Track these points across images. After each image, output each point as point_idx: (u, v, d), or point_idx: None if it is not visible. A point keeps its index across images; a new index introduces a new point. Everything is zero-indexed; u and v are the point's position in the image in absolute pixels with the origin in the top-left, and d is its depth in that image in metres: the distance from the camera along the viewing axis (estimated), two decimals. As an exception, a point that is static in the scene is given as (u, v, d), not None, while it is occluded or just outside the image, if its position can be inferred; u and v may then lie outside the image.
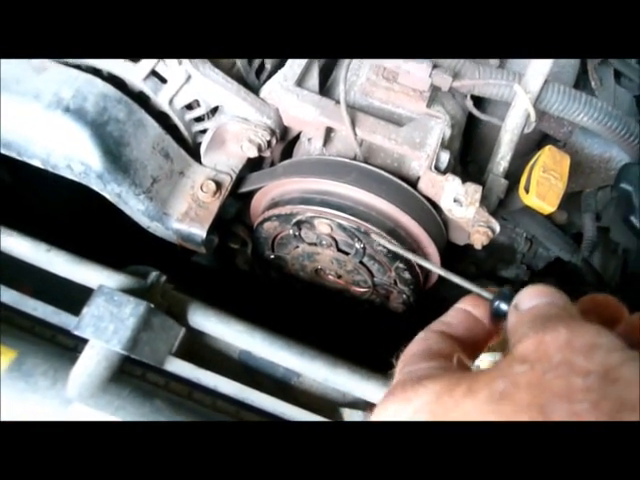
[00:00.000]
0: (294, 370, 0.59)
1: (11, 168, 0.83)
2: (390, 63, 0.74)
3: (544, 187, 0.70)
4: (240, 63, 0.77)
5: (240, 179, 0.76)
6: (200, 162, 0.74)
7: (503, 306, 0.38)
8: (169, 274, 0.65)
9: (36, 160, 0.67)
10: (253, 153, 0.73)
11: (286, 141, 0.79)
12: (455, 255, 0.84)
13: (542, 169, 0.71)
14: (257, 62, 0.79)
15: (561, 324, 0.31)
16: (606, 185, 0.91)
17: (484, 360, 0.56)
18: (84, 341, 0.53)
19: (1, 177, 0.84)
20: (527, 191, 0.72)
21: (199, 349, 0.60)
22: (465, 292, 0.44)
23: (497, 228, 0.69)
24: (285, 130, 0.76)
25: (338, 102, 0.69)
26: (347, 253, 0.72)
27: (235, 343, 0.59)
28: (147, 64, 0.69)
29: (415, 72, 0.72)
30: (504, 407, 0.28)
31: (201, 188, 0.72)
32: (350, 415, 0.58)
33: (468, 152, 0.97)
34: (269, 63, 0.81)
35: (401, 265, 0.71)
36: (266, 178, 0.74)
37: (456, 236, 0.75)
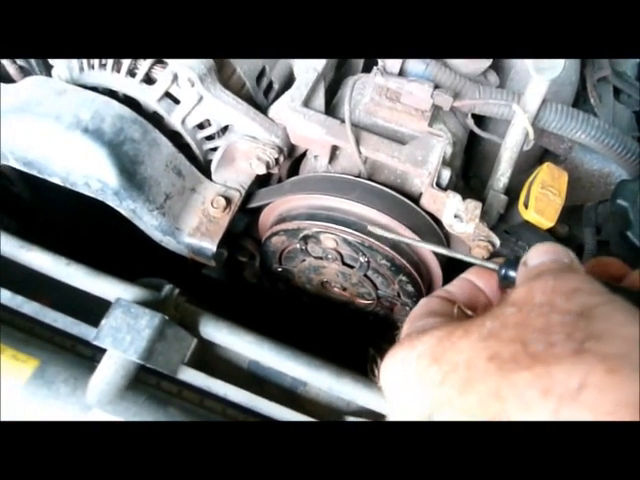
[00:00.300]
0: (301, 379, 0.61)
1: (30, 185, 0.87)
2: (393, 84, 0.77)
3: (542, 203, 0.73)
4: (249, 84, 0.80)
5: (249, 195, 0.79)
6: (211, 179, 0.78)
7: (511, 272, 0.41)
8: (181, 286, 0.68)
9: (56, 178, 0.71)
10: (262, 170, 0.76)
11: (293, 158, 0.82)
12: (458, 268, 0.87)
13: (540, 185, 0.73)
14: (265, 82, 0.83)
15: (551, 274, 0.34)
16: (606, 199, 0.93)
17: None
18: (102, 351, 0.56)
19: (21, 194, 0.88)
20: (526, 206, 0.74)
21: (210, 359, 0.63)
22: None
23: (497, 242, 0.72)
24: (292, 148, 0.79)
25: (343, 121, 0.72)
26: (352, 267, 0.75)
27: (244, 353, 0.62)
28: (161, 86, 0.72)
29: (417, 92, 0.75)
30: (491, 342, 0.31)
31: (212, 204, 0.75)
32: (354, 423, 0.60)
33: (470, 167, 1.00)
34: (277, 83, 0.84)
35: (404, 278, 0.73)
36: (274, 194, 0.77)
37: (457, 250, 0.77)
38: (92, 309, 0.61)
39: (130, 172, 0.69)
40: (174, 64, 0.71)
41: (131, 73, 0.73)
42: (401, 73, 0.80)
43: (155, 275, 0.74)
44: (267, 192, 0.79)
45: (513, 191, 0.82)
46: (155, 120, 0.74)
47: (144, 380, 0.58)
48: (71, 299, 0.64)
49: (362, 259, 0.72)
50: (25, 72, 0.86)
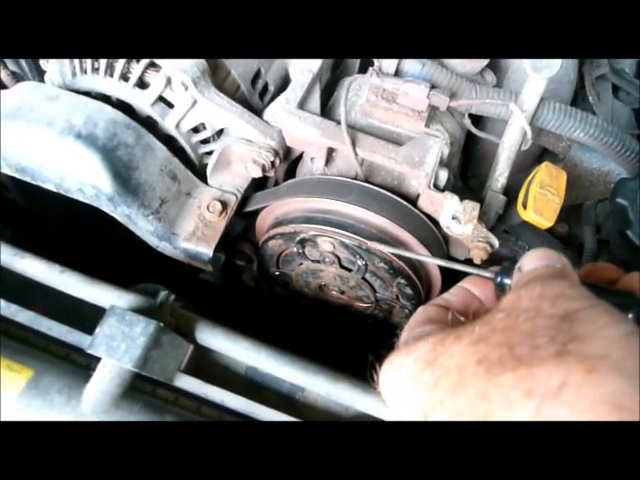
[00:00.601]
0: (298, 385, 0.60)
1: (25, 191, 0.86)
2: (389, 85, 0.76)
3: (541, 203, 0.72)
4: (244, 86, 0.79)
5: (245, 198, 0.79)
6: (206, 183, 0.77)
7: (506, 280, 0.43)
8: (177, 291, 0.68)
9: (50, 184, 0.70)
10: (257, 173, 0.75)
11: (289, 161, 0.82)
12: (457, 271, 0.86)
13: (539, 185, 0.73)
14: (260, 84, 0.82)
15: (539, 281, 0.36)
16: (605, 198, 0.93)
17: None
18: (97, 359, 0.56)
19: (16, 200, 0.87)
20: (525, 207, 0.73)
21: (207, 365, 0.62)
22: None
23: (496, 243, 0.71)
24: (288, 150, 0.78)
25: (339, 123, 0.71)
26: (350, 270, 0.74)
27: (241, 359, 0.61)
28: (154, 90, 0.71)
29: (413, 93, 0.74)
30: (480, 347, 0.33)
31: (207, 208, 0.74)
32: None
33: (469, 167, 0.99)
34: (272, 85, 0.84)
35: (402, 281, 0.72)
36: (270, 198, 0.76)
37: (456, 251, 0.77)
38: (87, 316, 0.60)
39: (124, 177, 0.69)
40: (167, 68, 0.70)
41: (124, 77, 0.72)
42: (397, 73, 0.79)
43: (151, 280, 0.73)
44: (263, 195, 0.78)
45: (512, 190, 0.81)
46: (149, 124, 0.73)
47: (140, 388, 0.57)
48: (65, 306, 0.63)
49: (360, 262, 0.72)
50: (17, 78, 0.85)
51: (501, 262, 0.48)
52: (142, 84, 0.73)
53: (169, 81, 0.71)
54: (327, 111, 0.81)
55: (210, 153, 0.77)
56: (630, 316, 0.39)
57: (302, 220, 0.72)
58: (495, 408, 0.30)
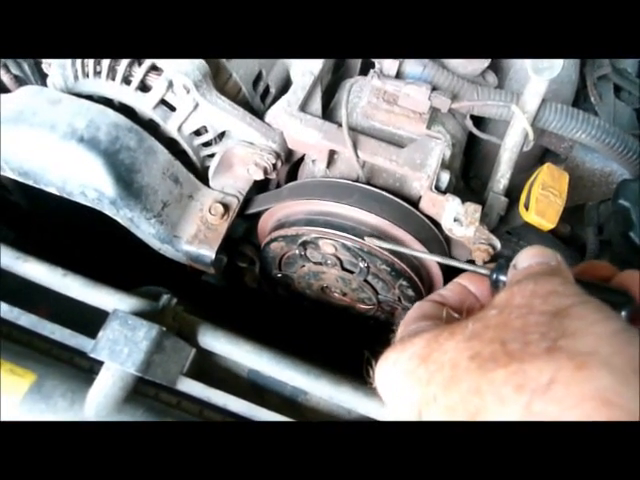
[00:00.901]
0: (301, 388, 0.61)
1: (28, 194, 0.86)
2: (390, 86, 0.76)
3: (543, 204, 0.72)
4: (245, 89, 0.79)
5: (247, 201, 0.79)
6: (208, 185, 0.77)
7: (501, 276, 0.43)
8: (179, 293, 0.68)
9: (52, 188, 0.70)
10: (259, 176, 0.75)
11: (291, 163, 0.82)
12: (459, 271, 0.86)
13: (541, 186, 0.73)
14: (262, 87, 0.82)
15: (531, 278, 0.36)
16: (608, 199, 0.93)
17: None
18: (100, 362, 0.56)
19: (19, 203, 0.88)
20: (527, 208, 0.73)
21: (209, 369, 0.62)
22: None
23: (498, 245, 0.71)
24: (290, 153, 0.78)
25: (340, 125, 0.71)
26: (352, 272, 0.75)
27: (244, 362, 0.62)
28: (156, 93, 0.72)
29: (415, 95, 0.74)
30: (473, 343, 0.33)
31: (209, 211, 0.74)
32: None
33: (471, 168, 0.99)
34: (273, 87, 0.84)
35: (404, 283, 0.72)
36: (272, 200, 0.76)
37: (458, 253, 0.77)
38: (89, 319, 0.60)
39: (126, 181, 0.69)
40: (169, 71, 0.70)
41: (126, 81, 0.73)
42: (398, 75, 0.79)
43: (154, 282, 0.74)
44: (265, 198, 0.78)
45: (514, 191, 0.81)
46: (151, 128, 0.73)
47: (142, 392, 0.57)
48: (68, 310, 0.63)
49: (362, 264, 0.72)
50: (20, 81, 0.85)
51: None
52: (144, 87, 0.73)
53: (171, 84, 0.71)
54: (328, 113, 0.81)
55: (212, 156, 0.78)
56: (623, 313, 0.39)
57: (304, 222, 0.72)
58: (487, 403, 0.31)
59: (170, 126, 0.74)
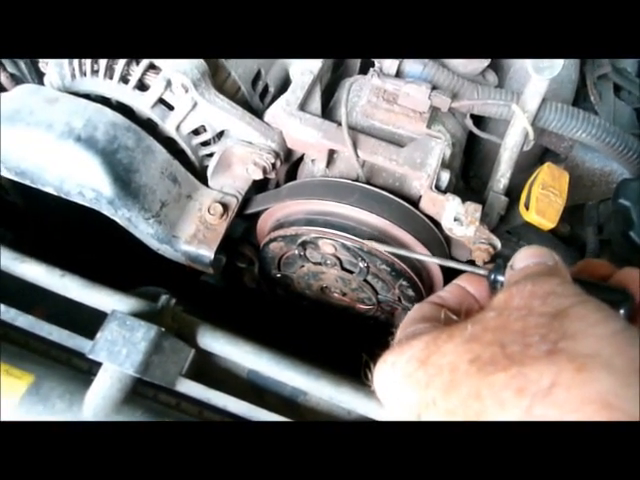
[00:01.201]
0: (300, 389, 0.60)
1: (25, 193, 0.86)
2: (390, 85, 0.76)
3: (543, 204, 0.72)
4: (244, 88, 0.79)
5: (246, 201, 0.78)
6: (207, 185, 0.77)
7: (499, 277, 0.43)
8: (178, 293, 0.67)
9: (49, 187, 0.70)
10: (258, 175, 0.75)
11: (290, 162, 0.81)
12: (460, 271, 0.86)
13: (541, 186, 0.72)
14: (261, 86, 0.82)
15: (529, 279, 0.36)
16: (607, 198, 0.92)
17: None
18: (98, 364, 0.55)
19: (16, 203, 0.87)
20: (527, 208, 0.73)
21: (208, 369, 0.62)
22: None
23: (498, 245, 0.70)
24: (289, 152, 0.78)
25: (340, 124, 0.71)
26: (351, 272, 0.74)
27: (243, 363, 0.61)
28: (154, 92, 0.71)
29: (415, 94, 0.74)
30: (473, 346, 0.33)
31: (208, 211, 0.74)
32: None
33: (471, 167, 0.99)
34: (272, 86, 0.83)
35: (404, 283, 0.72)
36: (271, 200, 0.76)
37: (458, 253, 0.76)
38: (87, 320, 0.60)
39: (124, 180, 0.68)
40: (167, 70, 0.70)
41: (124, 79, 0.72)
42: (398, 74, 0.79)
43: (152, 282, 0.73)
44: (264, 198, 0.78)
45: (514, 191, 0.81)
46: (149, 127, 0.73)
47: (141, 393, 0.57)
48: (66, 311, 0.63)
49: (361, 264, 0.71)
50: (17, 80, 0.85)
51: None
52: (142, 86, 0.72)
53: (169, 83, 0.70)
54: (328, 112, 0.80)
55: (211, 155, 0.77)
56: (622, 312, 0.39)
57: (303, 222, 0.71)
58: (487, 407, 0.30)
59: (168, 125, 0.73)
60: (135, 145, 0.70)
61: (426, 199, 0.71)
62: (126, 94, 0.72)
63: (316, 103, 0.77)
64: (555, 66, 0.68)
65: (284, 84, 0.84)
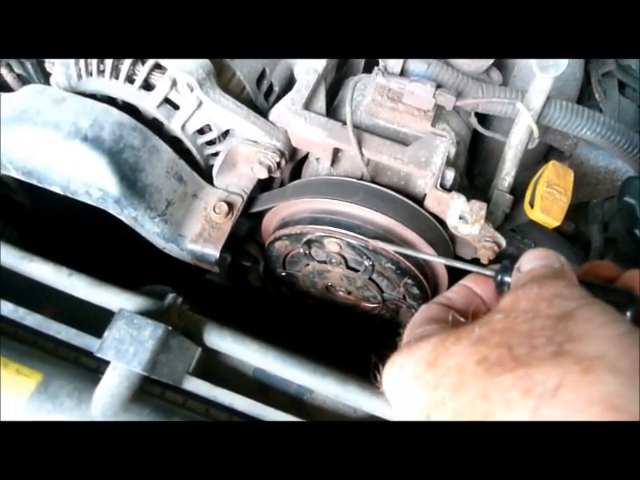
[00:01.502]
0: (307, 387, 0.60)
1: (31, 193, 0.86)
2: (395, 84, 0.76)
3: (548, 202, 0.72)
4: (249, 87, 0.79)
5: (251, 199, 0.79)
6: (212, 184, 0.77)
7: (506, 278, 0.43)
8: (184, 291, 0.68)
9: (56, 187, 0.70)
10: (263, 174, 0.75)
11: (295, 161, 0.82)
12: (464, 270, 0.86)
13: (546, 184, 0.72)
14: (266, 85, 0.82)
15: (536, 282, 0.36)
16: (612, 196, 0.92)
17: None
18: (106, 362, 0.56)
19: (23, 202, 0.88)
20: (532, 206, 0.73)
21: (215, 368, 0.62)
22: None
23: (503, 243, 0.71)
24: (294, 151, 0.78)
25: (345, 123, 0.71)
26: (356, 270, 0.74)
27: (249, 361, 0.62)
28: (160, 92, 0.71)
29: (419, 92, 0.74)
30: (480, 347, 0.33)
31: (214, 209, 0.74)
32: (362, 430, 0.60)
33: (475, 165, 0.98)
34: (277, 86, 0.83)
35: (409, 281, 0.72)
36: (276, 198, 0.76)
37: (463, 251, 0.76)
38: (95, 319, 0.60)
39: (131, 180, 0.69)
40: (172, 69, 0.70)
41: (129, 79, 0.72)
42: (402, 73, 0.79)
43: (158, 281, 0.74)
44: (269, 196, 0.78)
45: (518, 188, 0.81)
46: (155, 126, 0.73)
47: (149, 391, 0.57)
48: (74, 309, 0.63)
49: (366, 263, 0.71)
50: (23, 80, 0.85)
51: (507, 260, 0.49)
52: (148, 86, 0.73)
53: (174, 83, 0.71)
54: (332, 111, 0.80)
55: (216, 154, 0.77)
56: (628, 314, 0.39)
57: (308, 221, 0.71)
58: (494, 408, 0.31)
59: (174, 125, 0.74)
60: (141, 145, 0.70)
61: (431, 197, 0.71)
62: (132, 94, 0.72)
63: (321, 102, 0.77)
64: (560, 64, 0.68)
65: (289, 83, 0.84)
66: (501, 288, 0.44)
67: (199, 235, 0.74)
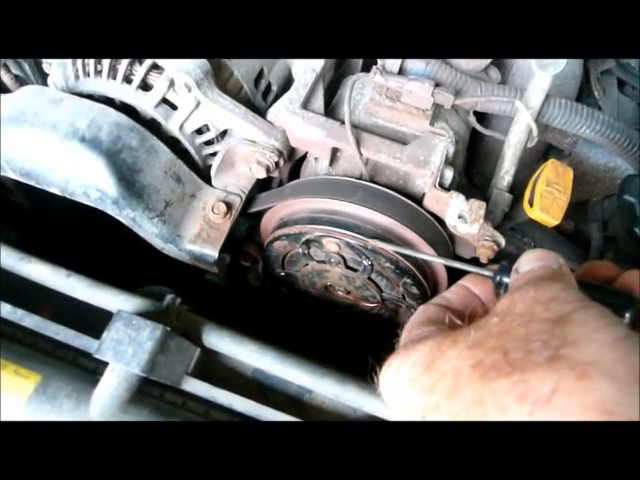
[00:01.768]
0: (306, 387, 0.60)
1: (30, 194, 0.86)
2: (393, 83, 0.75)
3: (548, 200, 0.72)
4: (247, 87, 0.79)
5: (250, 199, 0.78)
6: (211, 184, 0.77)
7: (505, 279, 0.43)
8: (182, 291, 0.68)
9: (54, 188, 0.70)
10: (262, 174, 0.75)
11: (293, 161, 0.81)
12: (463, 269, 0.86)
13: (545, 183, 0.72)
14: (264, 85, 0.82)
15: (532, 284, 0.36)
16: (612, 194, 0.92)
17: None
18: (104, 363, 0.56)
19: (21, 203, 0.88)
20: (531, 205, 0.73)
21: (214, 368, 0.62)
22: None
23: (502, 242, 0.70)
24: (292, 151, 0.78)
25: (343, 122, 0.71)
26: (355, 270, 0.74)
27: (248, 362, 0.61)
28: (158, 92, 0.71)
29: (418, 91, 0.74)
30: (476, 351, 0.33)
31: (212, 210, 0.74)
32: (361, 430, 0.60)
33: (474, 164, 0.98)
34: (275, 85, 0.83)
35: (408, 280, 0.72)
36: (275, 198, 0.76)
37: (462, 250, 0.76)
38: (94, 320, 0.60)
39: (129, 180, 0.69)
40: (170, 70, 0.70)
41: (127, 80, 0.72)
42: (401, 72, 0.78)
43: (157, 281, 0.74)
44: (268, 196, 0.78)
45: (518, 187, 0.81)
46: (153, 127, 0.73)
47: (148, 392, 0.57)
48: (72, 310, 0.63)
49: (365, 262, 0.71)
50: (21, 81, 0.85)
51: (506, 259, 0.48)
52: (145, 86, 0.72)
53: (172, 83, 0.70)
54: (330, 110, 0.80)
55: (214, 154, 0.77)
56: (627, 315, 0.39)
57: (307, 221, 0.71)
58: (489, 413, 0.31)
59: (172, 125, 0.74)
60: (139, 145, 0.70)
61: (430, 197, 0.71)
62: (129, 94, 0.72)
63: (319, 101, 0.77)
64: (559, 63, 0.68)
65: (287, 83, 0.84)
66: (500, 289, 0.44)
67: (198, 235, 0.74)
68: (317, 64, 0.77)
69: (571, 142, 0.90)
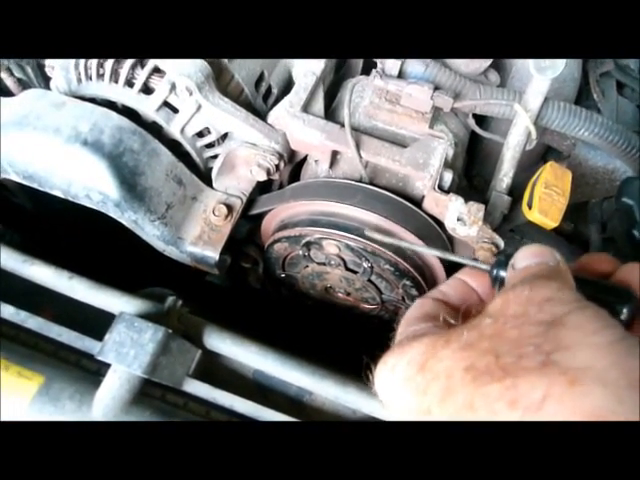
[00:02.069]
0: (306, 389, 0.61)
1: (32, 196, 0.87)
2: (393, 86, 0.76)
3: (546, 203, 0.72)
4: (248, 90, 0.80)
5: (250, 202, 0.79)
6: (212, 187, 0.77)
7: (502, 272, 0.42)
8: (184, 293, 0.68)
9: (57, 190, 0.71)
10: (262, 177, 0.75)
11: (294, 163, 0.82)
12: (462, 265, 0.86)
13: (544, 185, 0.72)
14: (264, 88, 0.82)
15: (527, 283, 0.35)
16: (611, 196, 0.93)
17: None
18: (107, 365, 0.56)
19: (23, 205, 0.88)
20: (530, 207, 0.73)
21: (215, 370, 0.62)
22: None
23: (501, 244, 0.71)
24: (292, 153, 0.79)
25: (343, 125, 0.72)
26: (355, 272, 0.75)
27: (249, 363, 0.62)
28: (159, 96, 0.72)
29: (417, 94, 0.74)
30: (468, 353, 0.33)
31: (213, 212, 0.75)
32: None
33: (473, 167, 0.99)
34: (276, 88, 0.84)
35: (408, 282, 0.73)
36: (275, 201, 0.76)
37: (462, 252, 0.77)
38: (96, 321, 0.61)
39: (131, 183, 0.69)
40: (171, 73, 0.70)
41: (129, 83, 0.73)
42: (400, 75, 0.79)
43: (158, 283, 0.74)
44: (268, 199, 0.79)
45: (516, 189, 0.81)
46: (154, 130, 0.74)
47: (149, 393, 0.58)
48: (75, 312, 0.64)
49: (365, 264, 0.72)
50: (23, 85, 0.86)
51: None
52: (147, 90, 0.73)
53: (173, 86, 0.71)
54: (331, 113, 0.81)
55: (215, 157, 0.78)
56: (624, 311, 0.38)
57: (307, 223, 0.72)
58: (480, 418, 0.30)
59: (173, 128, 0.74)
60: (141, 148, 0.70)
61: (429, 199, 0.71)
62: (131, 97, 0.73)
63: (319, 104, 0.78)
64: (557, 66, 0.68)
65: (287, 86, 0.84)
66: (496, 282, 0.43)
67: (199, 237, 0.74)
68: (317, 67, 0.78)
69: (570, 144, 0.91)
